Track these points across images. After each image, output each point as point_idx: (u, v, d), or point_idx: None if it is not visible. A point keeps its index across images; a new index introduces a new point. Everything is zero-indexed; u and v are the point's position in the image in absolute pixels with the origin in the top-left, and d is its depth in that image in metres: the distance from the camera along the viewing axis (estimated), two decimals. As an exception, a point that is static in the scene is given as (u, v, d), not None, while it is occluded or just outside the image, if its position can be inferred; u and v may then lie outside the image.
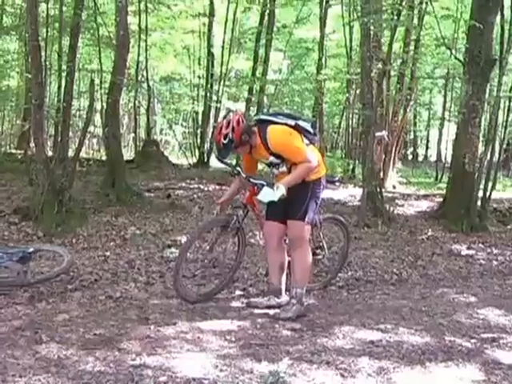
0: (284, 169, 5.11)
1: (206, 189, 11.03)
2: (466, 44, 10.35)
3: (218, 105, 15.31)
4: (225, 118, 5.18)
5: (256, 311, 5.17)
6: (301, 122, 5.16)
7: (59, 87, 10.63)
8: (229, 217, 5.32)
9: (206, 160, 14.62)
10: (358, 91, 16.03)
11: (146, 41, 14.21)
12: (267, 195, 4.92)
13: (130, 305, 5.13)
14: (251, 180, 5.22)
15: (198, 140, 15.17)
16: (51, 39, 11.32)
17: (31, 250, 5.42)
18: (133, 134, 16.02)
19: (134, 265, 6.34)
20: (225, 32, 15.42)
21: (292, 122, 5.09)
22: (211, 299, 5.39)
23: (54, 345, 4.05)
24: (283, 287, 5.36)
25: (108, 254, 6.84)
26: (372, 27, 9.99)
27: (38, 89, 7.70)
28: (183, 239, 7.56)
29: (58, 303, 5.01)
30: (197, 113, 15.65)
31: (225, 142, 4.95)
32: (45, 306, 4.92)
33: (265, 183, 4.99)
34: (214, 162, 13.99)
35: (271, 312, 5.13)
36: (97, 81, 13.22)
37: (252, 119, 5.56)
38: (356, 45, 15.63)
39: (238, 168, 5.36)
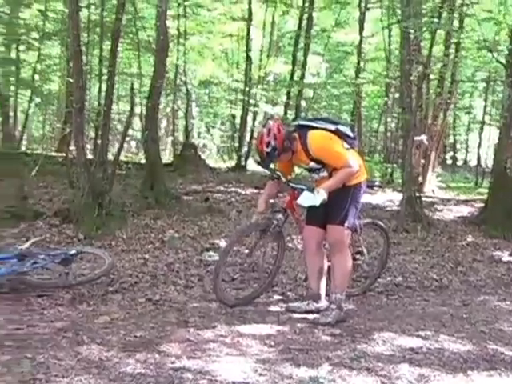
0: (325, 174, 5.08)
1: (243, 192, 11.03)
2: (508, 46, 10.18)
3: (256, 109, 15.32)
4: (264, 126, 5.18)
5: (295, 316, 5.16)
6: (341, 127, 5.14)
7: (99, 91, 10.76)
8: (268, 221, 5.31)
9: (243, 163, 14.63)
10: (396, 95, 15.91)
11: (184, 45, 14.31)
12: (307, 199, 4.90)
13: (169, 308, 5.16)
14: (291, 184, 5.21)
15: (236, 143, 15.20)
16: (92, 44, 11.49)
17: (73, 252, 5.49)
18: (171, 138, 16.14)
19: (173, 268, 6.38)
20: (263, 36, 15.46)
21: (332, 127, 5.07)
22: (250, 303, 5.39)
23: (95, 346, 4.08)
24: (322, 292, 5.34)
25: (147, 256, 6.89)
26: (412, 30, 9.88)
27: (79, 93, 7.79)
28: (221, 243, 7.59)
29: (98, 305, 5.06)
30: (234, 116, 15.70)
31: (267, 150, 4.94)
32: (86, 308, 4.98)
33: (305, 187, 4.97)
34: (252, 166, 14.03)
35: (310, 317, 5.11)
36: (136, 85, 13.39)
37: (291, 125, 5.53)
38: (395, 48, 15.52)
39: (278, 172, 5.35)
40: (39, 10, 14.13)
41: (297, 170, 5.74)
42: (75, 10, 7.68)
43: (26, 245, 5.54)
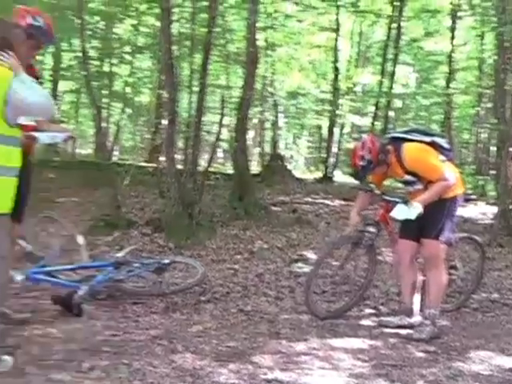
0: (420, 186, 4.96)
1: (331, 204, 10.97)
2: None
3: (343, 120, 15.24)
4: (356, 140, 5.14)
5: (387, 331, 5.05)
6: (436, 139, 5.02)
7: (189, 103, 10.97)
8: (361, 234, 5.24)
9: (330, 175, 14.56)
10: (489, 105, 15.46)
11: (272, 56, 14.41)
12: (402, 213, 4.80)
13: (260, 319, 5.16)
14: (386, 197, 5.13)
15: (323, 154, 15.16)
16: (182, 57, 11.74)
17: (166, 261, 5.59)
18: (258, 148, 16.25)
19: (263, 279, 6.39)
20: (351, 46, 15.38)
21: (428, 139, 4.95)
22: (341, 316, 5.32)
23: (189, 355, 4.12)
24: (415, 307, 5.21)
25: (237, 267, 6.93)
26: (507, 38, 9.59)
27: (171, 105, 7.97)
28: (310, 254, 7.57)
29: (191, 314, 5.12)
30: (321, 127, 15.67)
31: (362, 163, 4.89)
32: (179, 317, 5.04)
33: (400, 200, 4.88)
34: (339, 177, 13.97)
35: (403, 332, 4.99)
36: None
37: (385, 137, 5.45)
38: (488, 56, 15.10)
39: (372, 185, 5.27)
40: (132, 25, 14.62)
41: (387, 181, 5.64)
42: (167, 24, 7.87)
43: (122, 253, 5.67)
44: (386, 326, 5.12)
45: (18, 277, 5.01)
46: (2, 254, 3.56)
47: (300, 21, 14.76)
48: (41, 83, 4.26)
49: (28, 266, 5.47)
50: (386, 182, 5.65)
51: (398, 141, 4.99)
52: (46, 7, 12.54)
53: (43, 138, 4.24)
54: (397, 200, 4.92)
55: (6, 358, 3.62)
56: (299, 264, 7.07)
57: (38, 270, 5.27)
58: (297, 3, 13.09)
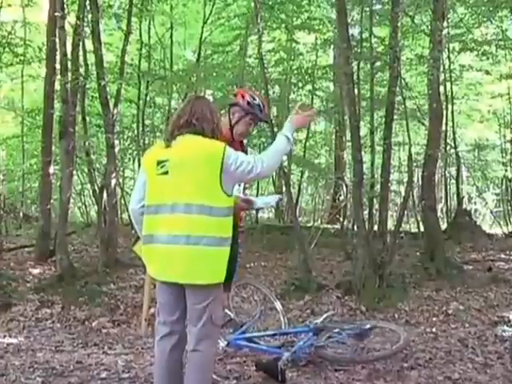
0: None
1: (528, 260, 10.27)
2: None
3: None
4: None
5: None
6: None
7: (372, 163, 10.93)
8: None
9: (522, 228, 13.74)
10: None
11: (452, 109, 14.06)
12: None
13: (470, 387, 4.86)
14: None
15: (513, 207, 14.41)
16: (362, 117, 11.80)
17: (368, 326, 5.47)
18: (441, 205, 15.77)
19: (466, 343, 6.06)
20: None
21: None
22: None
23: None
24: None
25: (435, 330, 6.67)
26: None
27: (358, 166, 7.96)
28: (511, 316, 7.10)
29: (395, 382, 4.93)
30: (509, 179, 14.92)
31: None
32: (384, 385, 4.89)
33: None
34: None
35: None
36: (402, 154, 13.38)
37: None
38: None
39: None
40: (308, 90, 15.01)
41: None
42: (351, 88, 7.96)
43: (321, 319, 5.63)
44: None
45: (221, 343, 5.15)
46: (218, 322, 3.67)
47: (478, 70, 14.32)
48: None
49: (229, 332, 5.63)
50: None
51: None
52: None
53: (259, 202, 4.38)
54: None
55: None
56: (504, 327, 6.64)
57: (240, 336, 5.39)
58: (477, 54, 12.69)
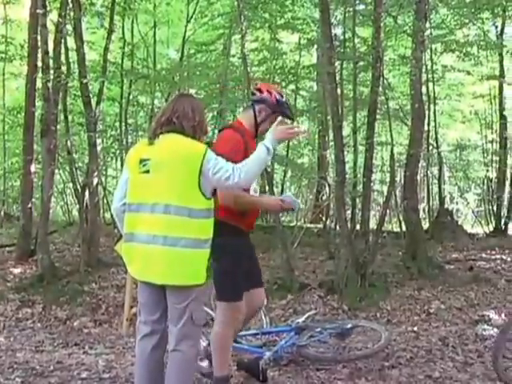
0: None
1: (509, 259, 10.33)
2: None
3: (515, 169, 14.54)
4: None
5: None
6: None
7: (355, 163, 10.97)
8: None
9: (503, 228, 13.82)
10: None
11: (434, 110, 14.12)
12: None
13: (450, 386, 4.90)
14: None
15: (494, 207, 14.47)
16: (345, 117, 11.84)
17: (349, 325, 5.48)
18: (423, 204, 15.84)
19: (447, 342, 6.09)
20: (516, 92, 14.75)
21: None
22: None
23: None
24: None
25: (416, 329, 6.71)
26: None
27: (340, 166, 7.97)
28: (492, 315, 7.17)
29: (377, 381, 4.95)
30: (490, 179, 15.03)
31: None
32: (365, 383, 4.90)
33: None
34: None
35: None
36: (385, 154, 13.45)
37: None
38: None
39: None
40: (292, 90, 15.01)
41: None
42: (334, 87, 7.97)
43: (303, 318, 5.63)
44: None
45: (203, 342, 5.14)
46: (198, 322, 3.66)
47: (460, 71, 14.42)
48: None
49: (210, 331, 5.62)
50: None
51: None
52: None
53: (297, 203, 4.28)
54: None
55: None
56: (484, 326, 6.69)
57: (221, 335, 5.37)
58: (459, 55, 12.79)
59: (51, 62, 9.13)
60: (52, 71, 9.07)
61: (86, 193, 9.92)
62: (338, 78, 9.45)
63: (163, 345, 3.72)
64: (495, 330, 6.38)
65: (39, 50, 9.56)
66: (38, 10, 8.85)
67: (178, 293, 3.56)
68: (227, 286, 4.18)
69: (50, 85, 8.91)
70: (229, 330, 4.26)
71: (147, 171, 3.58)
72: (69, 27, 9.70)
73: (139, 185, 3.63)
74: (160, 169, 3.53)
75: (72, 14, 9.51)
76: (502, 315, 7.19)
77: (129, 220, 3.66)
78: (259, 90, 4.36)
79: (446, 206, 15.52)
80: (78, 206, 11.50)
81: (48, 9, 9.29)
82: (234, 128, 4.25)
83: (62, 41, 9.69)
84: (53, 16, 9.96)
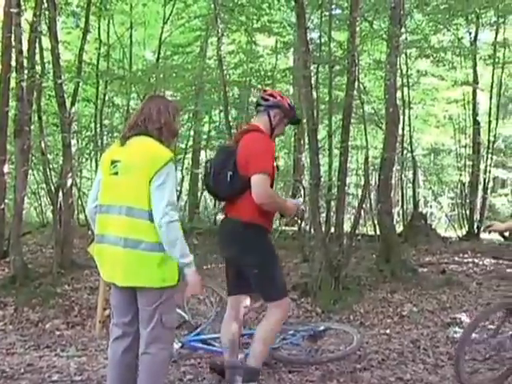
0: None
1: (480, 263, 10.48)
2: None
3: (487, 174, 14.69)
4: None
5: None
6: None
7: (330, 166, 11.01)
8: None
9: (476, 232, 13.98)
10: None
11: (409, 114, 14.25)
12: None
13: (421, 388, 4.94)
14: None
15: (467, 211, 14.64)
16: (320, 120, 11.90)
17: (321, 328, 5.51)
18: (397, 208, 15.96)
19: (419, 345, 6.15)
20: (490, 98, 14.91)
21: None
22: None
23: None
24: None
25: (388, 331, 6.76)
26: None
27: (315, 169, 8.00)
28: (463, 317, 7.24)
29: (348, 383, 4.98)
30: (464, 183, 15.20)
31: None
32: (337, 386, 4.93)
33: None
34: (486, 234, 13.33)
35: None
36: (360, 158, 13.52)
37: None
38: None
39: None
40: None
41: None
42: (309, 91, 8.00)
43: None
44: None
45: (176, 345, 5.12)
46: (169, 325, 3.64)
47: (434, 75, 14.57)
48: None
49: (184, 333, 5.60)
50: None
51: None
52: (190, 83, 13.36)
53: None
54: None
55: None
56: (456, 328, 6.77)
57: (195, 337, 5.37)
58: (433, 61, 12.94)
59: (25, 61, 9.03)
60: (26, 71, 8.97)
61: (60, 194, 9.83)
62: (313, 82, 9.49)
63: (135, 347, 3.69)
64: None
65: (13, 50, 9.44)
66: (12, 9, 8.75)
67: (148, 294, 3.54)
68: (276, 285, 4.28)
69: (23, 85, 8.81)
70: (280, 326, 4.47)
71: (116, 173, 3.58)
72: (44, 27, 9.60)
73: (109, 186, 3.63)
74: (127, 171, 3.53)
75: (47, 13, 9.41)
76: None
77: (100, 221, 3.66)
78: (272, 96, 4.42)
79: (419, 209, 15.68)
80: (51, 207, 11.39)
81: (23, 8, 9.18)
82: (260, 131, 4.32)
83: (37, 40, 9.59)
84: (27, 15, 9.86)
